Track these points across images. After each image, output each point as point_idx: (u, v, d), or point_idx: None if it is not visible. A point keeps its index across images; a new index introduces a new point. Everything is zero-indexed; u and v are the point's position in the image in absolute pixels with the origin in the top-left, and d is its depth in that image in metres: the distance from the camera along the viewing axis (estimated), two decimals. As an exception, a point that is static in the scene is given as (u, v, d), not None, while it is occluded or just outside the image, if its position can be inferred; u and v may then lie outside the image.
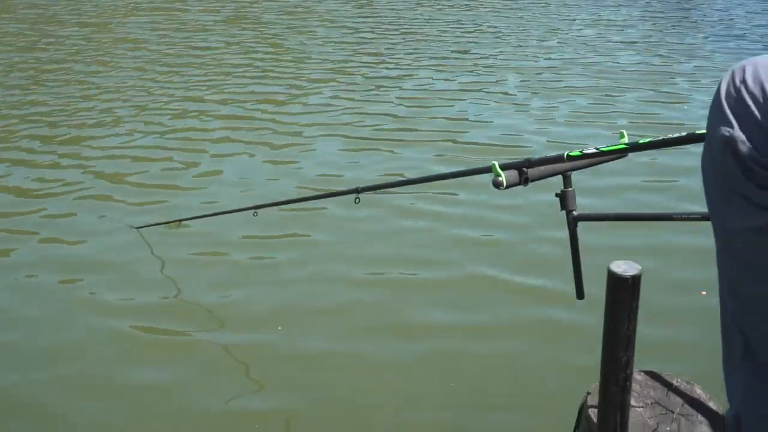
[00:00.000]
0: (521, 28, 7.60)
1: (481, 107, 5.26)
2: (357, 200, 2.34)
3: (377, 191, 2.35)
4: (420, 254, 3.28)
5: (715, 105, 1.05)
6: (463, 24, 7.93)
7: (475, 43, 7.09)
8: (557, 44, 6.90)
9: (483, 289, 3.01)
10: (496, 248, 3.36)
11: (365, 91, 5.71)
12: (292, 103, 5.49)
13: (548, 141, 4.51)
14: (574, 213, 1.85)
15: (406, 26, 7.96)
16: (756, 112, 1.00)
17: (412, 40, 7.35)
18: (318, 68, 6.41)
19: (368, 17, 8.50)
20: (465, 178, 2.00)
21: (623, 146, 1.57)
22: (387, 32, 7.72)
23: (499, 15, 8.30)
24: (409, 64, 6.43)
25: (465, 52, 6.78)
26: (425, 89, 5.73)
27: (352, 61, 6.65)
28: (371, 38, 7.48)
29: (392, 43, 7.20)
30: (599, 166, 1.89)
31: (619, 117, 5.00)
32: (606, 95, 5.43)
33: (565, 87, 5.64)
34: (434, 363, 2.57)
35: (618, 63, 6.18)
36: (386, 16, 8.49)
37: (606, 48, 6.68)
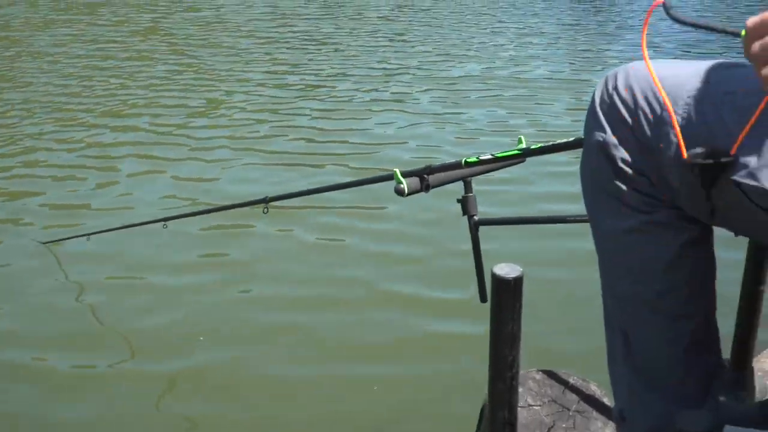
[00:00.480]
0: (440, 39, 7.70)
1: (395, 118, 5.31)
2: (265, 210, 2.33)
3: (286, 201, 2.35)
4: (330, 272, 3.25)
5: (590, 111, 1.09)
6: (382, 36, 7.98)
7: (394, 53, 7.16)
8: (474, 54, 7.02)
9: (391, 305, 2.99)
10: (402, 260, 3.35)
11: (281, 104, 5.70)
12: (207, 117, 5.43)
13: (458, 149, 4.58)
14: (476, 218, 1.89)
15: (324, 38, 7.98)
16: (627, 117, 1.04)
17: (330, 52, 7.37)
18: (234, 82, 6.37)
19: (286, 30, 8.48)
20: (373, 187, 2.03)
21: (516, 152, 1.61)
22: (304, 44, 7.73)
23: (420, 26, 8.40)
24: (325, 76, 6.45)
25: (382, 62, 6.83)
26: (341, 100, 5.75)
27: (268, 73, 6.63)
28: (288, 51, 7.47)
29: (309, 56, 7.21)
30: (503, 171, 1.94)
31: (529, 125, 5.11)
32: (518, 103, 5.55)
33: (478, 97, 5.74)
34: (347, 385, 2.55)
35: (533, 73, 6.32)
36: (303, 30, 8.48)
37: (522, 58, 6.82)
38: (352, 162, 4.45)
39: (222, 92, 6.02)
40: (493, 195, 3.79)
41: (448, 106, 5.51)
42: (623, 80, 1.06)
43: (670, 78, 1.02)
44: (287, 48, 7.55)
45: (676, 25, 1.01)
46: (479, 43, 7.44)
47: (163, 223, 2.84)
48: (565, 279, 3.04)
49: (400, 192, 1.70)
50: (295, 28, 8.53)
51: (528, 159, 1.70)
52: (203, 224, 3.56)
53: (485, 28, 8.08)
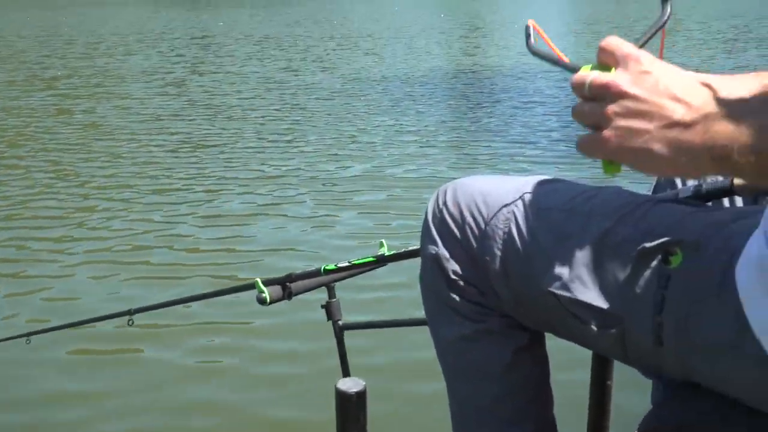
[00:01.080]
0: (319, 139, 7.80)
1: (270, 224, 5.31)
2: (131, 322, 2.29)
3: (151, 314, 2.32)
4: (198, 395, 3.19)
5: (424, 225, 1.18)
6: (261, 137, 8.05)
7: (273, 155, 7.22)
8: (355, 154, 7.14)
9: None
10: (268, 378, 3.32)
11: (156, 211, 5.62)
12: (83, 228, 5.27)
13: (332, 253, 4.58)
14: (340, 323, 1.94)
15: (202, 140, 7.97)
16: (456, 232, 1.13)
17: (197, 149, 7.36)
18: (109, 189, 6.23)
19: (164, 132, 8.43)
20: (234, 297, 2.04)
21: (371, 259, 1.69)
22: (183, 146, 7.70)
23: (302, 125, 8.51)
24: (203, 180, 6.42)
25: (263, 164, 6.86)
26: (217, 207, 5.71)
27: (147, 178, 6.54)
28: (165, 154, 7.42)
29: (187, 159, 7.18)
30: (369, 274, 2.00)
31: (400, 228, 5.15)
32: (391, 203, 5.65)
33: (352, 199, 5.81)
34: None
35: (410, 173, 6.47)
36: (185, 132, 8.47)
37: (401, 157, 6.98)
38: (222, 270, 4.42)
39: (96, 199, 5.89)
40: (360, 298, 3.79)
41: (321, 210, 5.57)
42: (452, 196, 1.15)
43: (493, 194, 1.11)
44: (164, 151, 7.51)
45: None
46: (358, 143, 7.61)
47: (26, 339, 2.75)
48: (428, 384, 3.08)
49: (261, 301, 1.74)
50: (173, 130, 8.51)
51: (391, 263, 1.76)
52: (67, 340, 3.44)
53: (365, 128, 8.29)
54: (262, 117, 9.18)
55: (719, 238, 0.91)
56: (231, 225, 5.26)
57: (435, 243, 1.15)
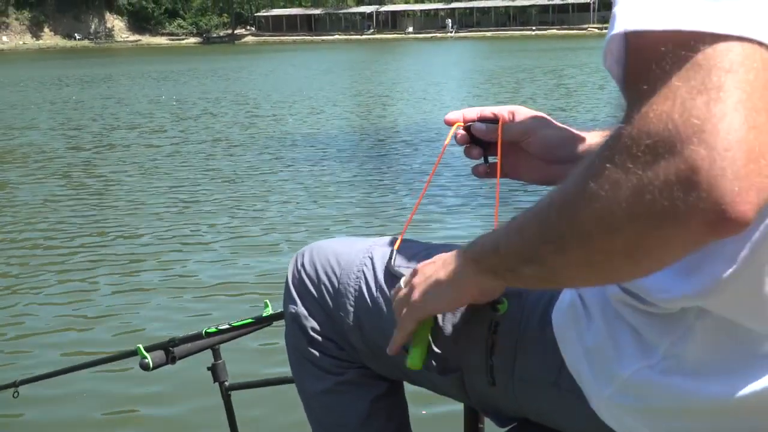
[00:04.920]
0: (205, 197, 7.79)
1: (147, 286, 5.28)
2: (15, 394, 2.28)
3: (38, 382, 2.33)
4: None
5: (285, 287, 1.29)
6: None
7: (139, 217, 7.16)
8: (235, 215, 7.16)
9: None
10: None
11: (30, 276, 5.50)
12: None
13: (217, 314, 4.57)
14: (227, 383, 2.00)
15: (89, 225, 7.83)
16: (313, 291, 1.23)
17: (78, 223, 7.24)
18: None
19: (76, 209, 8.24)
20: (118, 364, 2.09)
21: (250, 320, 1.79)
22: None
23: (190, 187, 8.47)
24: (65, 253, 6.32)
25: (127, 227, 6.80)
26: (89, 272, 5.63)
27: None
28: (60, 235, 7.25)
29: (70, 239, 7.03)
30: (258, 334, 2.07)
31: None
32: (276, 267, 5.71)
33: (234, 263, 5.84)
34: None
35: (292, 235, 6.54)
36: (75, 216, 8.28)
37: (285, 219, 7.04)
38: (105, 339, 4.37)
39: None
40: (246, 358, 3.81)
41: (208, 271, 5.59)
42: (309, 258, 1.25)
43: (345, 254, 1.22)
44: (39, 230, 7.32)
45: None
46: (244, 203, 7.63)
47: None
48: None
49: (144, 367, 1.76)
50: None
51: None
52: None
53: (254, 190, 8.31)
54: (135, 181, 9.09)
55: None
56: (113, 292, 5.21)
57: (295, 302, 1.25)
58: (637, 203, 0.64)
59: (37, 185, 9.06)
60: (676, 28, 0.63)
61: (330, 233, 6.48)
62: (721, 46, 0.62)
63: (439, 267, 0.98)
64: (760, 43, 0.62)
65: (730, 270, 0.75)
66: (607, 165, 0.66)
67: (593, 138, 1.15)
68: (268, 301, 1.84)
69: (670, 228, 0.63)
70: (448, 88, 21.14)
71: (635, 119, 0.65)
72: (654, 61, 0.65)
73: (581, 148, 1.15)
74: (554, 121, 1.19)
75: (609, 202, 0.66)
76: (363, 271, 1.17)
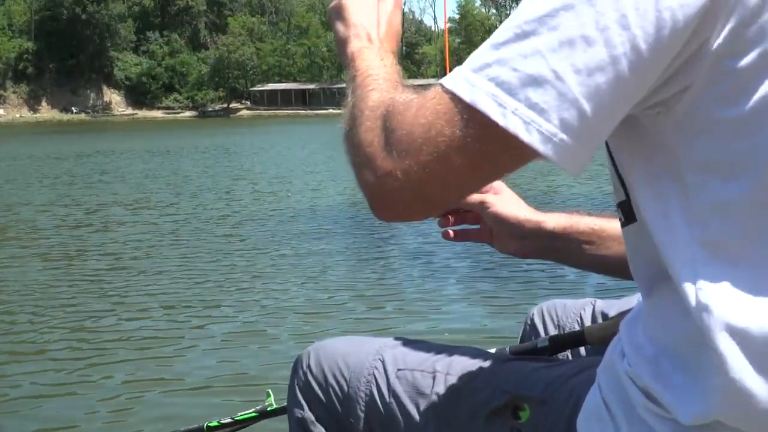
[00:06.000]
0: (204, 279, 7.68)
1: (140, 375, 5.13)
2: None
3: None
4: None
5: (290, 388, 1.23)
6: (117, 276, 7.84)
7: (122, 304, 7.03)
8: (227, 302, 7.04)
9: None
10: None
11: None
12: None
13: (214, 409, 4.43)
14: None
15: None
16: (321, 395, 1.17)
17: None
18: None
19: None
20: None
21: (253, 415, 1.70)
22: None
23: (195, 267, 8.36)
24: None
25: (111, 312, 6.66)
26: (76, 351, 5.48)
27: None
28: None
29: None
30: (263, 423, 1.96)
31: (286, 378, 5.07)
32: (276, 357, 5.56)
33: (230, 354, 5.70)
34: None
35: (289, 324, 6.41)
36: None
37: (280, 308, 6.93)
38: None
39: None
40: None
41: (206, 361, 5.43)
42: (315, 359, 1.20)
43: (353, 356, 1.17)
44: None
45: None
46: (241, 287, 7.52)
47: None
48: None
49: None
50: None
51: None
52: None
53: (252, 273, 8.21)
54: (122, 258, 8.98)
55: (563, 391, 0.99)
56: (111, 382, 5.03)
57: (301, 407, 1.19)
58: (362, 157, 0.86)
59: (23, 268, 8.91)
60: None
61: (332, 317, 6.34)
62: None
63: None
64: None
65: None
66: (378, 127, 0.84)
67: (553, 220, 1.27)
68: (270, 391, 1.80)
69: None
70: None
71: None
72: None
73: (533, 228, 1.27)
74: (518, 201, 1.29)
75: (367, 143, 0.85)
76: (374, 375, 1.13)
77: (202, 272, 8.27)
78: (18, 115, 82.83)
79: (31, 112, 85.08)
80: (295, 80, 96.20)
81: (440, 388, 1.05)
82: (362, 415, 1.12)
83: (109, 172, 20.72)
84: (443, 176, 0.76)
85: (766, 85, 0.72)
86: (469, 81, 0.74)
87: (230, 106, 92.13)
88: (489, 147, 0.74)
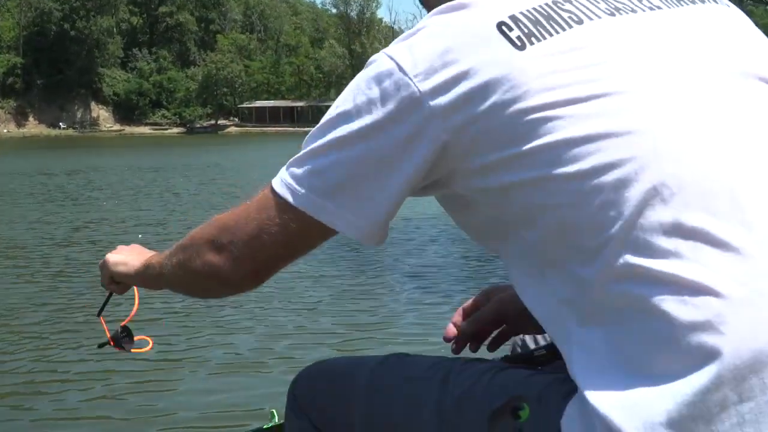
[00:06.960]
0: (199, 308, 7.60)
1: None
2: None
3: None
4: None
5: (287, 411, 1.21)
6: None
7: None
8: (224, 327, 6.97)
9: None
10: None
11: None
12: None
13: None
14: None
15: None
16: (317, 416, 1.15)
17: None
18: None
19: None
20: None
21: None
22: None
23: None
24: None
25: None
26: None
27: None
28: None
29: None
30: None
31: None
32: (278, 376, 5.50)
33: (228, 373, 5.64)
34: None
35: (286, 348, 6.35)
36: None
37: (277, 333, 6.86)
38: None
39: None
40: None
41: (209, 379, 5.36)
42: (310, 380, 1.21)
43: (349, 374, 1.17)
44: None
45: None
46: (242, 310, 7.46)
47: None
48: None
49: None
50: None
51: None
52: None
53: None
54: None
55: (560, 392, 0.99)
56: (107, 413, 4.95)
57: (299, 426, 1.19)
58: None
59: (6, 286, 8.79)
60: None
61: (324, 343, 6.29)
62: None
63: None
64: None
65: None
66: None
67: None
68: (274, 411, 1.75)
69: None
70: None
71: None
72: None
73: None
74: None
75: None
76: (372, 391, 1.13)
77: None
78: (5, 130, 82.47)
79: (18, 127, 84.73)
80: (283, 98, 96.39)
81: (439, 398, 1.05)
82: (361, 430, 1.13)
83: (101, 188, 20.60)
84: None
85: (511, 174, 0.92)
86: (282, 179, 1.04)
87: (218, 122, 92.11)
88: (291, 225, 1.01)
